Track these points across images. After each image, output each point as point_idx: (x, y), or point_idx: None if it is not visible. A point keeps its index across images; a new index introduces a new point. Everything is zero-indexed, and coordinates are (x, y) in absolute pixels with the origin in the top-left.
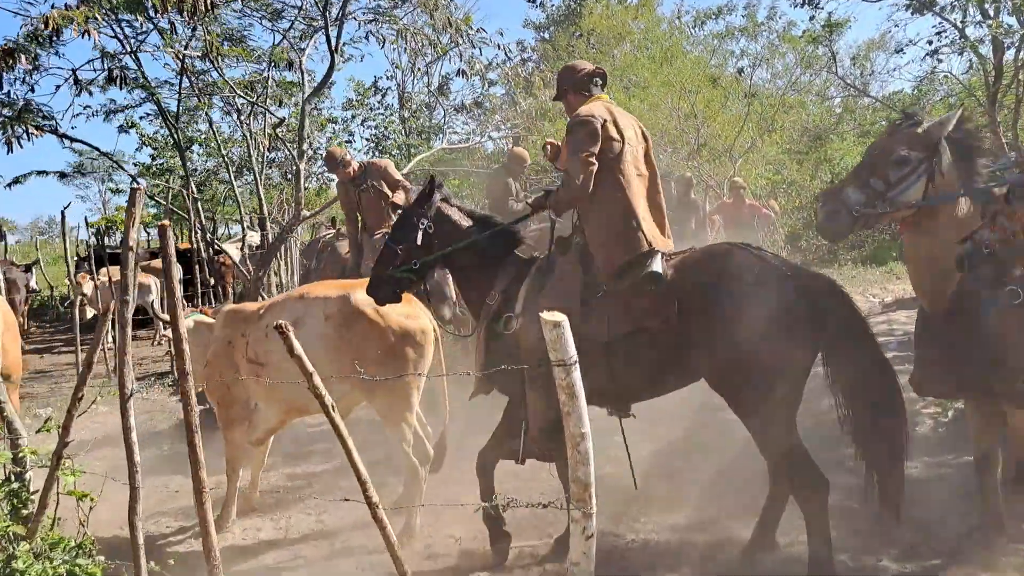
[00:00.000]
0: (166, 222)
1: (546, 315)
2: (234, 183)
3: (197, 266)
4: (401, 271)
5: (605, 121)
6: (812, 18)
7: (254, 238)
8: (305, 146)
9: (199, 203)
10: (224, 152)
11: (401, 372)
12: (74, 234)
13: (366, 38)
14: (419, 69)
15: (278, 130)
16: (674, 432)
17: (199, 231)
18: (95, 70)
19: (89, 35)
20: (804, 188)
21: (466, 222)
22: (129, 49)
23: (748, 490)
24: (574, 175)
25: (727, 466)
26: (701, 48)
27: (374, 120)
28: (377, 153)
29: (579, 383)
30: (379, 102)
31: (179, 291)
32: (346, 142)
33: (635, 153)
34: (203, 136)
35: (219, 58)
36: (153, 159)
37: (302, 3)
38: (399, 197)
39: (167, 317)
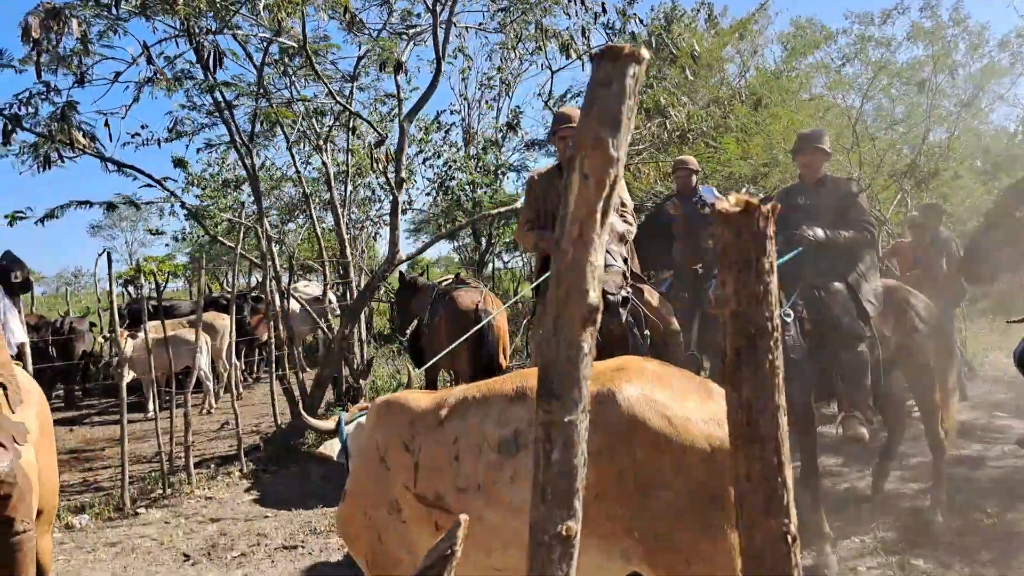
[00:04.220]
0: None
1: None
2: (315, 220)
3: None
4: None
5: None
6: None
7: (309, 288)
8: (404, 173)
9: (273, 244)
10: (304, 184)
11: (714, 524)
12: (102, 285)
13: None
14: (488, 103)
15: (378, 150)
16: None
17: (273, 278)
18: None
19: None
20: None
21: None
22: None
23: None
24: None
25: None
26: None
27: (440, 156)
28: (441, 194)
29: None
30: (443, 139)
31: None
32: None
33: None
34: (270, 165)
35: (312, 59)
36: (200, 200)
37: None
38: None
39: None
